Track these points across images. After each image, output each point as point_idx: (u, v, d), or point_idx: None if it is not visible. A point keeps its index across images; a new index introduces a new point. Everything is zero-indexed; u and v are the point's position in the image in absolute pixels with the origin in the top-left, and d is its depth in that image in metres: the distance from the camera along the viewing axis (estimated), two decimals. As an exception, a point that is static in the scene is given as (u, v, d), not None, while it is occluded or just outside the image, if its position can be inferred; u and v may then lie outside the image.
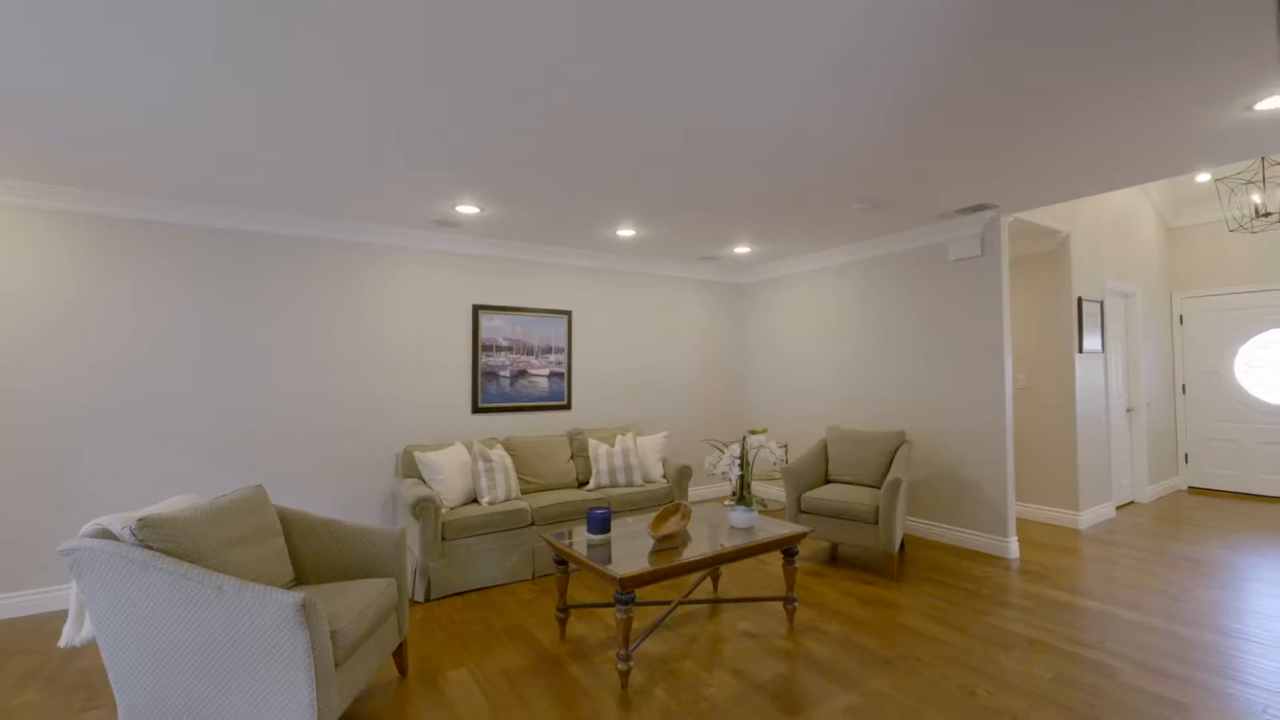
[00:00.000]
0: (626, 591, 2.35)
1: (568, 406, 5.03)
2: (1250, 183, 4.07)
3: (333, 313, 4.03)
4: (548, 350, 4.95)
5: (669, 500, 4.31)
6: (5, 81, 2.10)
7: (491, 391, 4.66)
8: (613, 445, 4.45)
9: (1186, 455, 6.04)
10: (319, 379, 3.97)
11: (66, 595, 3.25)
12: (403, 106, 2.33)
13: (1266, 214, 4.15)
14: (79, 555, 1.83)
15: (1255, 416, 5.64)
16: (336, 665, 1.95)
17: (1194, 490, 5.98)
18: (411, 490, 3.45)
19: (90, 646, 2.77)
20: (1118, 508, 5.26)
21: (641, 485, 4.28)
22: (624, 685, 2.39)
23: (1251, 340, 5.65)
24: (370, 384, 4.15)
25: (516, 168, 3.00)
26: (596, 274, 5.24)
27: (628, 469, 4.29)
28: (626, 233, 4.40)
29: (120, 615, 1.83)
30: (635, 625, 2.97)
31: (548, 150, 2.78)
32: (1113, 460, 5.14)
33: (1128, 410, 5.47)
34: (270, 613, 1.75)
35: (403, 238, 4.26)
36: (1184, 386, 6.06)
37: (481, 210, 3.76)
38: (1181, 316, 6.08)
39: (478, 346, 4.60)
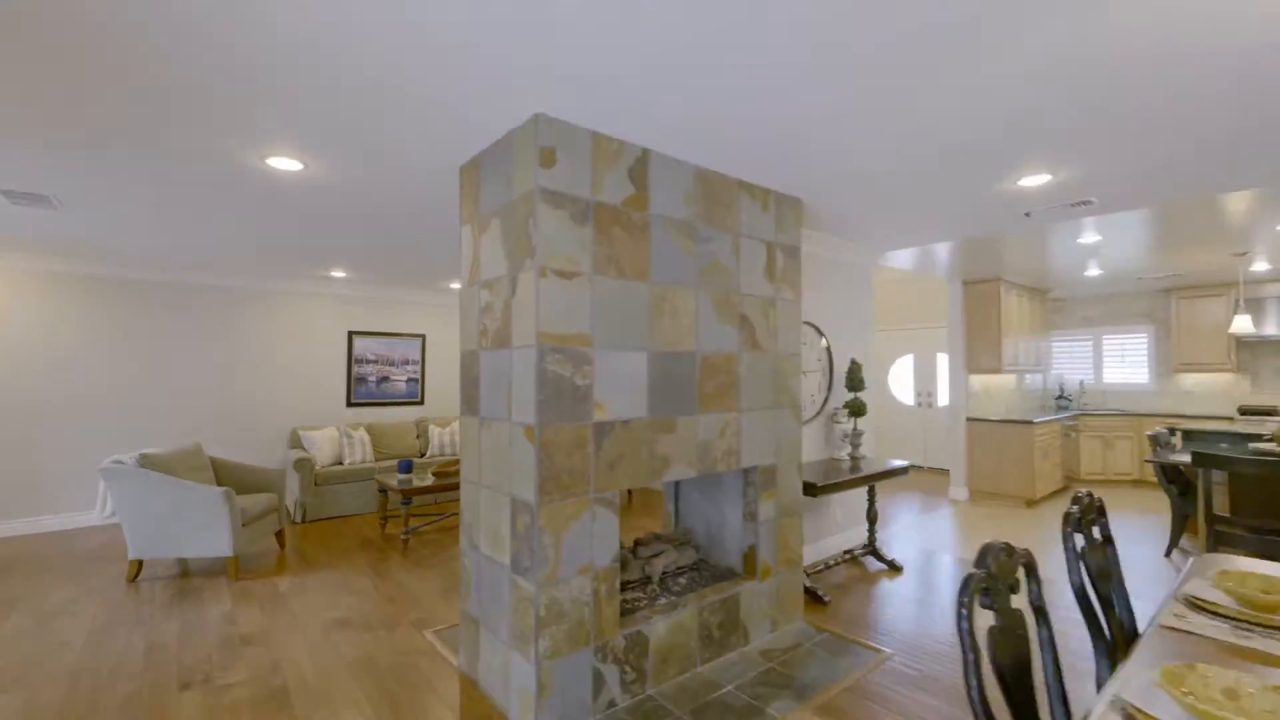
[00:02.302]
0: (406, 498, 4.53)
1: (421, 402, 7.11)
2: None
3: (248, 336, 5.94)
4: (406, 362, 7.02)
5: (481, 464, 6.51)
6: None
7: (362, 391, 6.68)
8: (444, 429, 6.59)
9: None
10: (236, 381, 5.87)
11: (63, 520, 5.03)
12: (312, 234, 4.38)
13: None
14: (110, 470, 3.80)
15: (897, 410, 8.50)
16: (243, 526, 4.01)
17: (871, 462, 8.80)
18: (294, 454, 5.46)
19: (109, 531, 4.63)
20: (803, 472, 7.92)
21: (456, 455, 6.45)
22: (404, 549, 4.56)
23: (899, 361, 8.51)
24: (273, 384, 6.08)
25: (367, 255, 5.09)
26: (443, 307, 7.34)
27: (454, 444, 6.45)
28: (457, 285, 6.54)
29: (129, 500, 3.81)
30: (420, 523, 5.14)
31: (390, 246, 4.89)
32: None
33: (815, 407, 8.16)
34: (211, 496, 3.80)
35: (298, 285, 6.20)
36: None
37: (347, 274, 5.80)
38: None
39: (351, 359, 6.61)
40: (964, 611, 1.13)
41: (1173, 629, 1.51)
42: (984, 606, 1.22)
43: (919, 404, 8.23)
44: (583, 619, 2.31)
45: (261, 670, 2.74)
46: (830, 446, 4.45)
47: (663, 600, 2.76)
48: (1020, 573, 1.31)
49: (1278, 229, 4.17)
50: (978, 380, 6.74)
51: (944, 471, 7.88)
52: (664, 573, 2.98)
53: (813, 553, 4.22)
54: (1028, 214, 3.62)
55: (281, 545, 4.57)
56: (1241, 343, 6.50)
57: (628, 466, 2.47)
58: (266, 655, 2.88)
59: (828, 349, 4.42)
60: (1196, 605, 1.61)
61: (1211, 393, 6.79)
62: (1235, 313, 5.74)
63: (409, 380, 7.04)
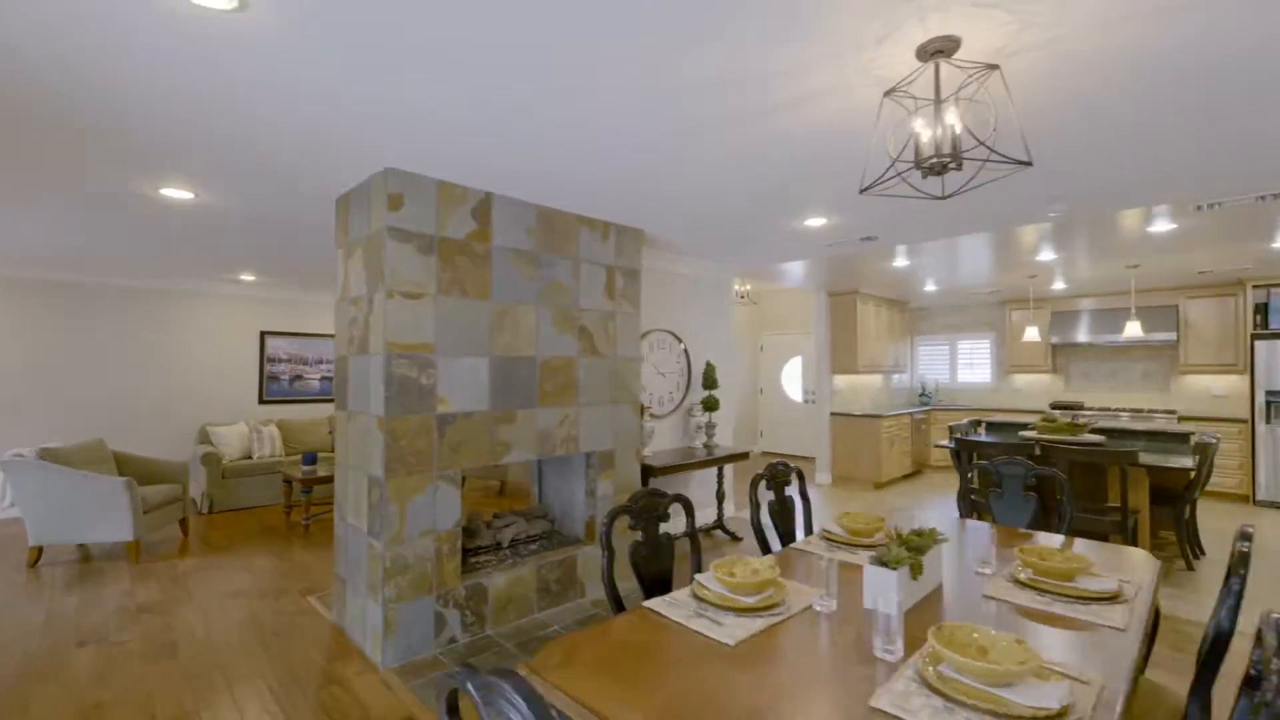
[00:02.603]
0: (307, 488, 4.95)
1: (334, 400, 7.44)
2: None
3: (161, 336, 6.15)
4: (320, 361, 7.33)
5: (391, 458, 6.92)
6: (-42, 235, 4.22)
7: (274, 389, 6.96)
8: (356, 424, 6.96)
9: (762, 431, 9.77)
10: (148, 379, 6.08)
11: (-48, 516, 5.15)
12: (213, 245, 4.72)
13: (743, 296, 7.62)
14: (8, 463, 4.07)
15: (790, 407, 9.42)
16: (145, 513, 4.35)
17: (766, 454, 9.70)
18: (202, 449, 5.75)
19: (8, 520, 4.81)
20: (701, 463, 8.70)
21: (373, 449, 6.86)
22: (305, 533, 4.98)
23: (790, 362, 9.43)
24: (185, 382, 6.31)
25: (269, 263, 5.45)
26: (361, 309, 7.68)
27: (365, 439, 6.84)
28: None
29: (28, 490, 4.09)
30: (322, 510, 5.55)
31: (286, 257, 5.27)
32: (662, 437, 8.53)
33: (713, 404, 8.96)
34: (111, 486, 4.14)
35: (210, 287, 6.44)
36: (761, 389, 9.79)
37: (257, 278, 6.11)
38: (763, 346, 9.79)
39: (264, 359, 6.89)
40: (605, 529, 1.80)
41: (799, 549, 2.24)
42: (630, 529, 1.89)
43: (806, 400, 9.17)
44: (426, 572, 2.89)
45: (154, 630, 3.17)
46: (687, 437, 5.17)
47: (509, 561, 3.37)
48: (672, 508, 1.99)
49: (1038, 259, 5.18)
50: (848, 379, 7.68)
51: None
52: (514, 539, 3.58)
53: (668, 528, 4.92)
54: (830, 245, 4.43)
55: (185, 533, 4.90)
56: (1057, 348, 7.70)
57: (469, 449, 3.06)
58: (160, 620, 3.31)
59: (686, 353, 5.13)
60: (825, 535, 2.35)
61: (1035, 390, 7.98)
62: (1027, 324, 6.86)
63: (323, 379, 7.36)
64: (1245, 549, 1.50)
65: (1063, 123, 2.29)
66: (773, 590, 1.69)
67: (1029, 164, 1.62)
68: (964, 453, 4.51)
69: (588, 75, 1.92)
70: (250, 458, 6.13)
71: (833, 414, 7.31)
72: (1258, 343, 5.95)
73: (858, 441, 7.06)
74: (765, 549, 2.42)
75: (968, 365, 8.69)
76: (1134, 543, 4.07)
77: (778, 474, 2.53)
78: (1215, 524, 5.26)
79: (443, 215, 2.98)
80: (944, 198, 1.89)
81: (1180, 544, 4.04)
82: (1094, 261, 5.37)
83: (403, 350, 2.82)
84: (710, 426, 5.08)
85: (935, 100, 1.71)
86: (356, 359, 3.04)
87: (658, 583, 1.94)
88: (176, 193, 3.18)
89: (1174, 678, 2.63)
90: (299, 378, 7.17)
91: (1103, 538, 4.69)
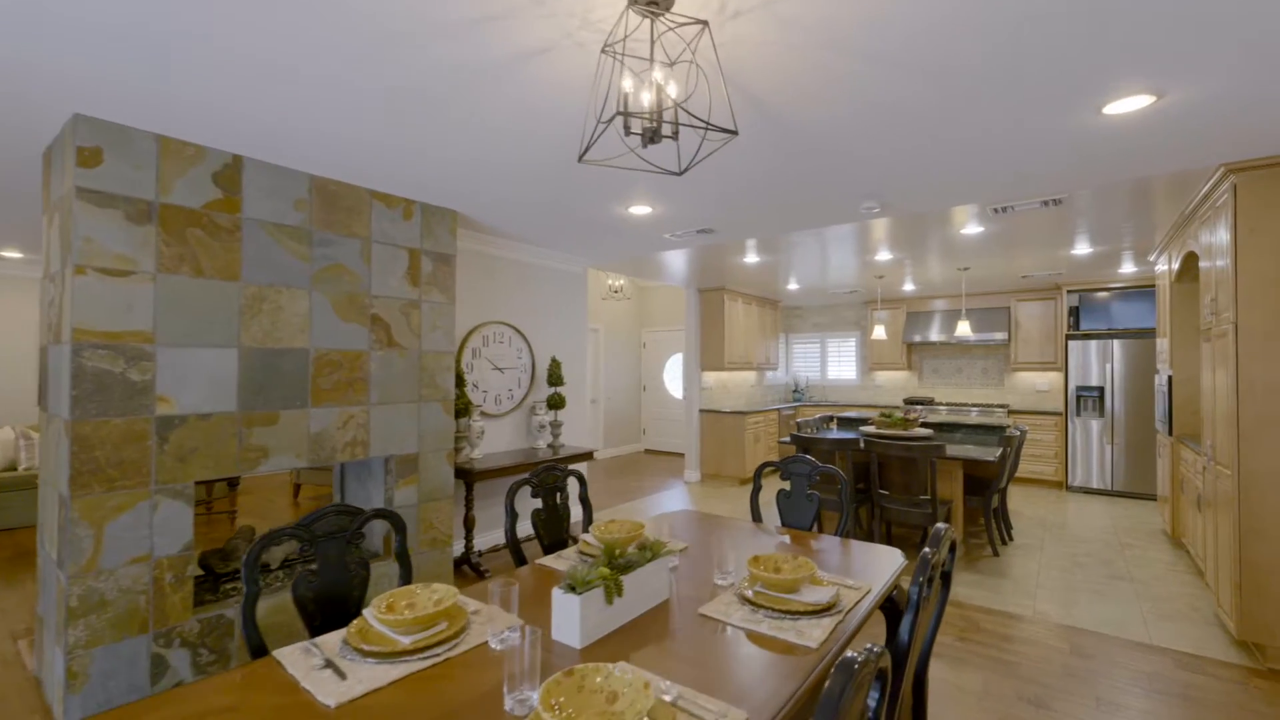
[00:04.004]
0: (69, 503, 4.16)
1: (147, 399, 6.46)
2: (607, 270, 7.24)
3: (-123, 323, 5.00)
4: (127, 355, 6.34)
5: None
6: None
7: (62, 387, 5.92)
8: (168, 427, 6.07)
9: (645, 429, 9.67)
10: None
11: None
12: (-106, 216, 3.80)
13: (616, 291, 7.40)
14: None
15: (672, 404, 9.38)
16: None
17: (649, 451, 9.61)
18: (-57, 460, 4.73)
19: None
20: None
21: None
22: (68, 557, 4.19)
23: (672, 359, 9.39)
24: (-80, 381, 5.19)
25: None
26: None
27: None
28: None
29: None
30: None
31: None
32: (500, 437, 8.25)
33: (592, 401, 8.74)
34: None
35: (-39, 265, 5.34)
36: (644, 386, 9.68)
37: (26, 255, 5.13)
38: (645, 343, 9.69)
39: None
40: (249, 560, 1.46)
41: (545, 565, 2.00)
42: (301, 557, 1.57)
43: (687, 398, 9.15)
44: (137, 607, 2.39)
45: None
46: (530, 437, 4.87)
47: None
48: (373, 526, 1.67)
49: (878, 259, 5.34)
50: (719, 376, 7.70)
51: (702, 458, 8.86)
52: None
53: (497, 537, 4.58)
54: (669, 237, 4.29)
55: (-105, 565, 3.98)
56: (912, 346, 8.13)
57: (206, 458, 2.58)
58: None
59: (529, 348, 4.83)
60: (582, 547, 2.13)
61: (894, 386, 8.40)
62: (879, 324, 7.17)
63: (130, 375, 6.37)
64: (931, 569, 1.41)
65: (820, 99, 2.20)
66: (446, 624, 1.42)
67: (734, 133, 1.46)
68: (800, 448, 4.53)
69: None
70: (15, 469, 5.15)
71: (702, 411, 7.28)
72: (1071, 342, 6.52)
73: (724, 438, 7.07)
74: (520, 561, 2.16)
75: (836, 363, 9.02)
76: (948, 532, 4.24)
77: (545, 479, 2.29)
78: (1032, 510, 5.68)
79: (166, 177, 2.48)
80: (680, 173, 1.70)
81: (989, 532, 4.25)
82: (928, 264, 5.63)
83: (102, 339, 2.30)
84: (555, 425, 4.80)
85: (651, 60, 1.51)
86: (54, 349, 2.48)
87: (332, 621, 1.61)
88: None
89: (942, 665, 2.66)
90: (97, 374, 6.15)
91: (919, 529, 4.90)
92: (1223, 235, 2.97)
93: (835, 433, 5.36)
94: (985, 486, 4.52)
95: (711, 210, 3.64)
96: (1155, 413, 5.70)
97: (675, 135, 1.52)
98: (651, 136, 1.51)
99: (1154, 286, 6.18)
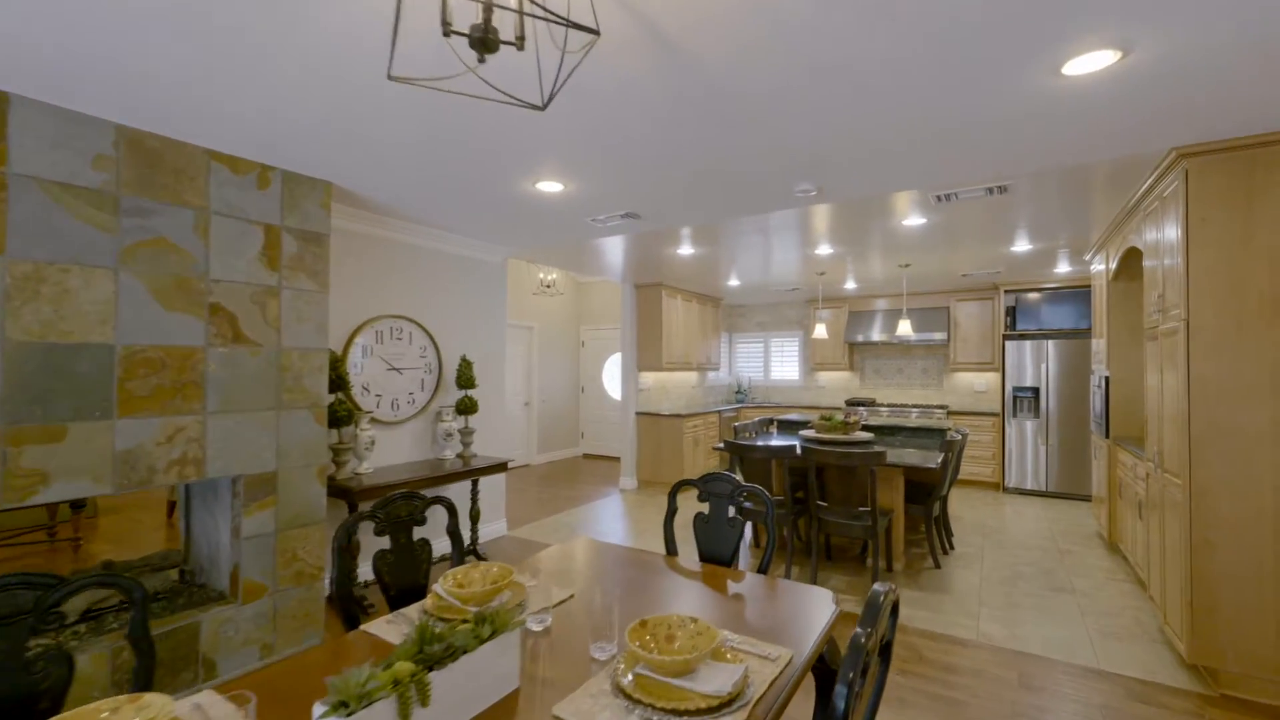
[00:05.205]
0: None
1: None
2: (535, 264, 6.71)
3: None
4: None
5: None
6: None
7: None
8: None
9: (583, 432, 9.18)
10: None
11: None
12: None
13: (548, 286, 6.89)
14: None
15: (612, 406, 8.93)
16: None
17: (588, 456, 9.13)
18: None
19: None
20: (512, 468, 7.87)
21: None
22: None
23: (611, 359, 8.94)
24: None
25: None
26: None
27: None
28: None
29: None
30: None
31: None
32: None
33: (525, 404, 8.19)
34: None
35: None
36: (584, 387, 9.20)
37: None
38: (584, 342, 9.20)
39: None
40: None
41: (368, 632, 1.50)
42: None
43: (623, 400, 8.71)
44: None
45: None
46: (436, 446, 4.32)
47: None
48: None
49: (818, 253, 5.06)
50: (658, 376, 7.30)
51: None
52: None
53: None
54: (592, 220, 3.84)
55: None
56: (854, 346, 7.98)
57: (-54, 488, 1.94)
58: None
59: (435, 346, 4.27)
60: (429, 603, 1.65)
61: (836, 387, 8.24)
62: (820, 323, 6.96)
63: None
64: (863, 640, 1.00)
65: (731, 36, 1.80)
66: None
67: (596, 33, 1.02)
68: (734, 456, 4.16)
69: None
70: None
71: (638, 413, 6.87)
72: (1008, 343, 6.46)
73: (661, 442, 6.68)
74: (352, 624, 1.66)
75: (780, 363, 8.80)
76: (886, 547, 3.97)
77: (396, 511, 1.78)
78: (972, 514, 5.54)
79: (-123, 112, 1.84)
80: (543, 107, 1.25)
81: (930, 544, 4.00)
82: (870, 260, 5.40)
83: None
84: (466, 433, 4.27)
85: (486, -69, 1.05)
86: None
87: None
88: None
89: (884, 710, 2.33)
90: None
91: (859, 541, 4.63)
92: (1171, 227, 2.76)
93: (773, 438, 5.04)
94: (927, 494, 4.29)
95: (632, 191, 3.21)
96: (1090, 413, 5.67)
97: (519, 42, 1.07)
98: (483, 41, 1.05)
99: (1089, 287, 6.19)
